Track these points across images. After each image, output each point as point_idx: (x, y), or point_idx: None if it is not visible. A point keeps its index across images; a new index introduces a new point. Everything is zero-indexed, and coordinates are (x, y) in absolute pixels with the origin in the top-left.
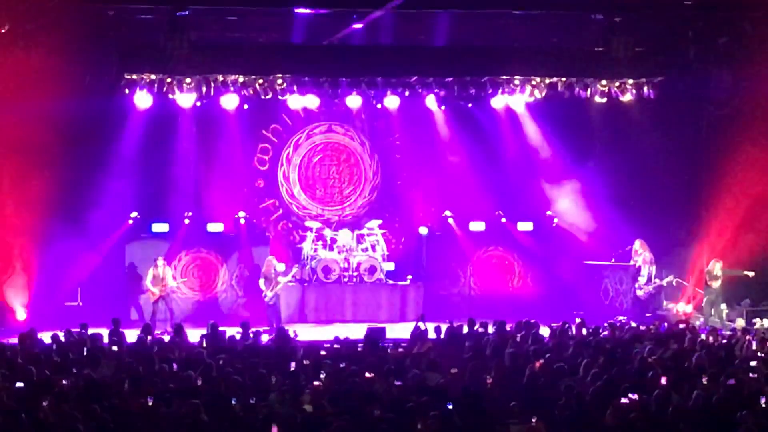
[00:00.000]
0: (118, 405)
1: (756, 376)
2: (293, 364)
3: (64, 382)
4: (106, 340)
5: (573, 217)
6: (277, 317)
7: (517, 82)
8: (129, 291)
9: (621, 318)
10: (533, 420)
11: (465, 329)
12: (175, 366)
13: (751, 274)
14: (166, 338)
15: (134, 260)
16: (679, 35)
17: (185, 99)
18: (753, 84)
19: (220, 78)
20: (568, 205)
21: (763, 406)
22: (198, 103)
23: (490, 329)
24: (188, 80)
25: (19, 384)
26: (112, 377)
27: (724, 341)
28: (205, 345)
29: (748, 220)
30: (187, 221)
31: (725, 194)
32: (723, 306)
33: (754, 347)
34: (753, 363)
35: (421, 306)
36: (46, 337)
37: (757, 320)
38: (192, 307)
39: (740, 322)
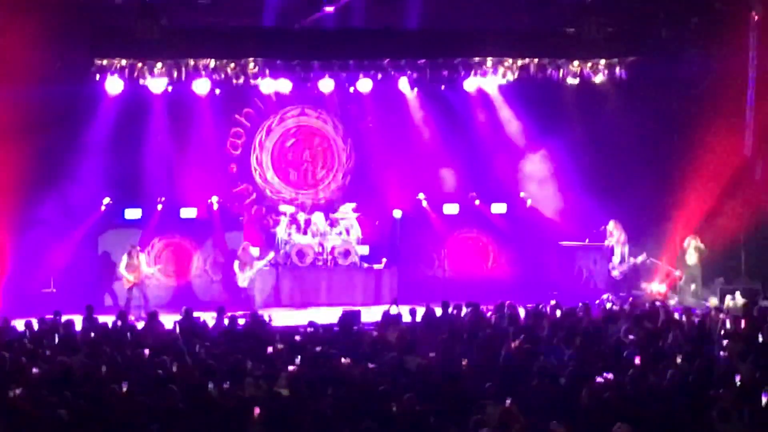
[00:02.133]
0: (93, 392)
1: (729, 354)
2: (270, 349)
3: (35, 369)
4: (79, 326)
5: (542, 189)
6: (250, 302)
7: (489, 63)
8: (103, 277)
9: (605, 296)
10: (507, 401)
11: (439, 312)
12: (147, 352)
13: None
14: (141, 324)
15: (107, 247)
16: (651, 16)
17: (156, 84)
18: (723, 64)
19: (192, 63)
20: (537, 174)
21: (738, 384)
22: (169, 88)
23: (464, 311)
24: (159, 65)
25: None
26: (86, 364)
27: (697, 320)
28: (179, 331)
29: (720, 199)
30: (160, 207)
31: (697, 174)
32: (698, 285)
33: (727, 326)
34: (726, 342)
35: (396, 289)
36: (19, 324)
37: (728, 298)
38: (167, 294)
39: (713, 301)
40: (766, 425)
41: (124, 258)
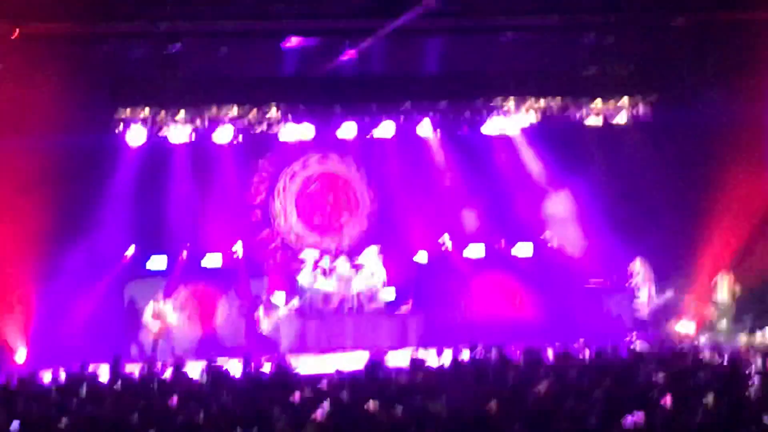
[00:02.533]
0: None
1: (759, 393)
2: (296, 395)
3: (63, 421)
4: (105, 377)
5: (566, 229)
6: (276, 348)
7: (511, 105)
8: (129, 327)
9: (633, 336)
10: None
11: (466, 355)
12: (172, 401)
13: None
14: (168, 373)
15: (133, 297)
16: (672, 54)
17: (178, 133)
18: (746, 103)
19: (213, 111)
20: (561, 214)
21: (767, 423)
22: (192, 137)
23: (492, 354)
24: (182, 113)
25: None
26: (113, 414)
27: (728, 358)
28: (205, 380)
29: (749, 237)
30: (184, 255)
31: (724, 211)
32: (728, 323)
33: (758, 364)
34: (756, 379)
35: (422, 332)
36: (46, 376)
37: (759, 335)
38: (192, 342)
39: (743, 338)
40: None
41: (151, 305)
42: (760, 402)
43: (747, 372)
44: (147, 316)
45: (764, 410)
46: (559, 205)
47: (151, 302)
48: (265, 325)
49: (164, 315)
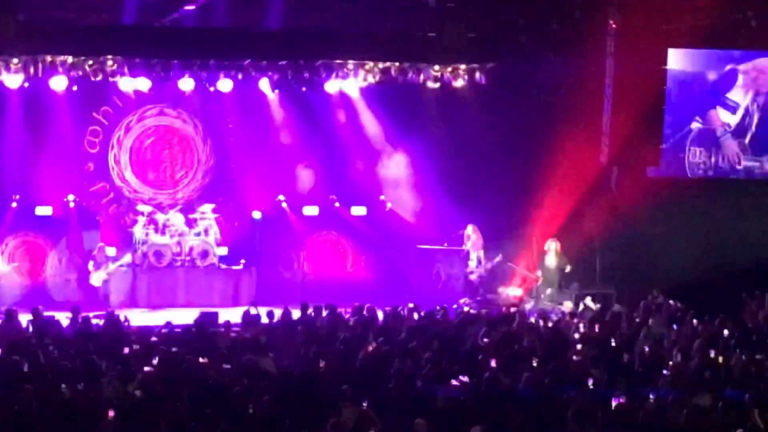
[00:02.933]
0: None
1: (582, 358)
2: (125, 350)
3: None
4: None
5: (401, 192)
6: (106, 302)
7: (351, 66)
8: None
9: (463, 300)
10: (364, 404)
11: (298, 314)
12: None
13: (568, 268)
14: None
15: None
16: (511, 22)
17: (12, 80)
18: (581, 71)
19: (49, 59)
20: (396, 176)
21: (591, 387)
22: (26, 84)
23: (323, 314)
24: (15, 61)
25: None
26: None
27: (552, 324)
28: (31, 330)
29: (576, 205)
30: (14, 204)
31: (555, 179)
32: (554, 289)
33: (581, 330)
34: (579, 346)
35: (255, 291)
36: None
37: (587, 300)
38: (20, 292)
39: (568, 305)
40: (616, 427)
41: None
42: (583, 366)
43: (570, 338)
44: None
45: (587, 374)
46: (394, 167)
47: None
48: (96, 279)
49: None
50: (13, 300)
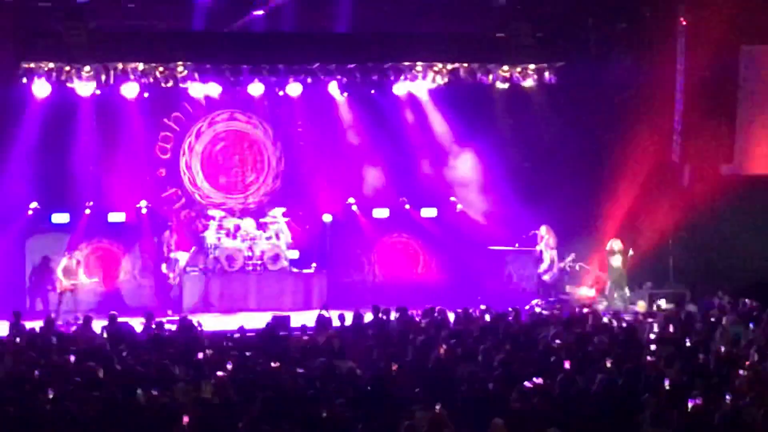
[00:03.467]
0: (19, 398)
1: (657, 359)
2: (199, 355)
3: None
4: (5, 332)
5: (471, 193)
6: (179, 307)
7: (419, 68)
8: (39, 282)
9: (535, 301)
10: (437, 407)
11: (369, 317)
12: (72, 358)
13: (631, 252)
14: (71, 330)
15: (34, 253)
16: (580, 21)
17: (84, 87)
18: (652, 70)
19: (120, 66)
20: (466, 177)
21: (667, 388)
22: (97, 92)
23: (393, 316)
24: (87, 68)
25: None
26: (12, 370)
27: (626, 325)
28: (106, 336)
29: (648, 204)
30: (88, 211)
31: (626, 178)
32: (626, 289)
33: (655, 330)
34: (654, 346)
35: (326, 294)
36: None
37: (662, 301)
38: (94, 299)
39: (641, 305)
40: (693, 429)
41: (64, 261)
42: (658, 367)
43: (645, 338)
44: (59, 270)
45: (662, 375)
46: (464, 168)
47: (64, 258)
48: (169, 284)
49: (73, 271)
50: (89, 306)
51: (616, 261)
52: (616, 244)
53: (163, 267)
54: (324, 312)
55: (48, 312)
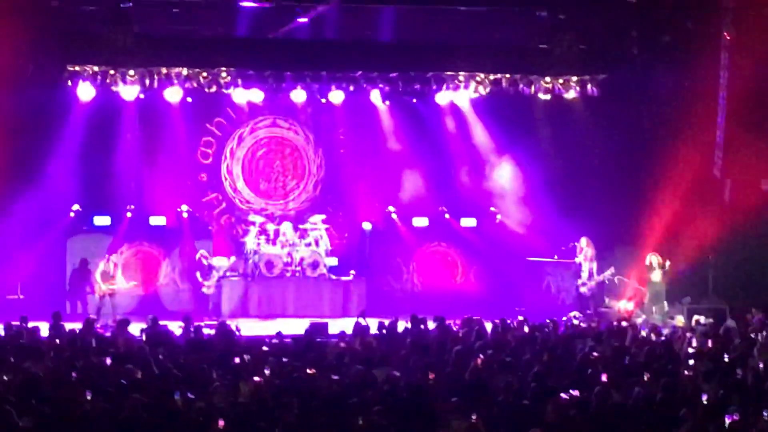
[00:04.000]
0: (57, 399)
1: (695, 373)
2: (236, 359)
3: (4, 377)
4: (46, 333)
5: (511, 203)
6: (218, 311)
7: (461, 78)
8: (78, 284)
9: (573, 313)
10: (473, 417)
11: (407, 325)
12: (108, 360)
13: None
14: (109, 332)
15: (75, 254)
16: (623, 33)
17: (128, 91)
18: (695, 83)
19: (164, 70)
20: (506, 188)
21: (705, 403)
22: (141, 96)
23: (431, 325)
24: (131, 72)
25: None
26: (51, 371)
27: (664, 339)
28: (144, 339)
29: (689, 218)
30: (129, 214)
31: (667, 192)
32: (665, 303)
33: (694, 344)
34: (692, 361)
35: (364, 301)
36: None
37: (700, 317)
38: (133, 301)
39: (680, 320)
40: None
41: (101, 265)
42: (695, 382)
43: (683, 353)
44: (97, 274)
45: (699, 390)
46: (505, 179)
47: (103, 261)
48: (207, 288)
49: (111, 275)
50: (127, 309)
51: (656, 276)
52: (654, 259)
53: (198, 275)
54: (361, 319)
55: (87, 314)
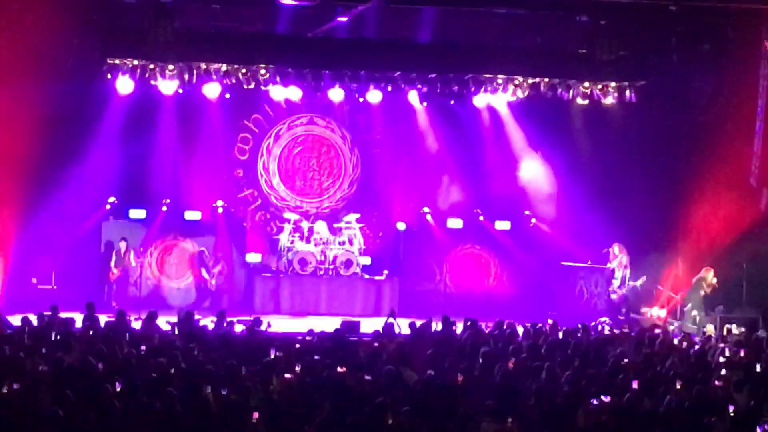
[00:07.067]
0: (89, 390)
1: (725, 383)
2: (270, 354)
3: (41, 368)
4: (79, 324)
5: (546, 207)
6: (250, 307)
7: (500, 81)
8: (105, 270)
9: (604, 319)
10: (509, 420)
11: (439, 326)
12: (143, 350)
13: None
14: (141, 325)
15: (112, 244)
16: (663, 40)
17: (167, 86)
18: (733, 90)
19: (203, 66)
20: (542, 191)
21: (732, 413)
22: (180, 90)
23: (460, 327)
24: (171, 67)
25: None
26: (82, 362)
27: (697, 347)
28: (177, 333)
29: (723, 227)
30: (164, 208)
31: (703, 200)
32: (702, 313)
33: (726, 354)
34: (723, 371)
35: (396, 301)
36: (15, 320)
37: (732, 327)
38: (168, 296)
39: (710, 329)
40: None
41: (131, 257)
42: (726, 391)
43: (714, 361)
44: (112, 261)
45: (729, 399)
46: (540, 183)
47: (131, 252)
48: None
49: (126, 260)
50: (160, 303)
51: (704, 288)
52: (709, 275)
53: (203, 272)
54: (390, 319)
55: (120, 306)
